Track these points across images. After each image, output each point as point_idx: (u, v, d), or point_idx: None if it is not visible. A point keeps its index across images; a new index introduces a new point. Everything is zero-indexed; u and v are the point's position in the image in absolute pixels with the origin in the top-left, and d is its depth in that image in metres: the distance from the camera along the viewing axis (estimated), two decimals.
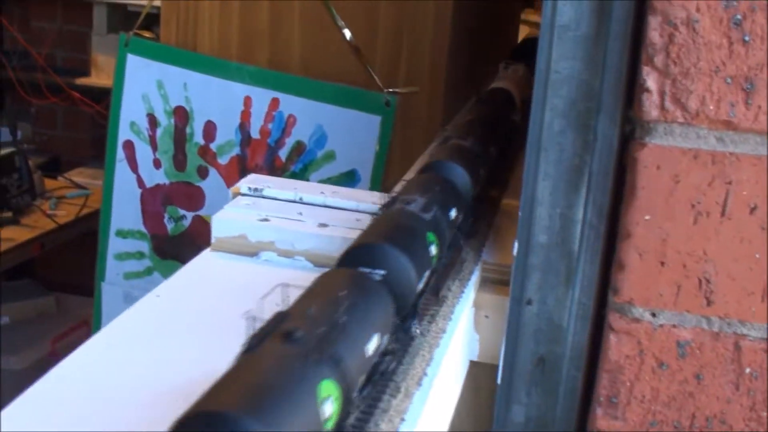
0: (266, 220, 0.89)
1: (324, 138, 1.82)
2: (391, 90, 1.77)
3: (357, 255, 0.66)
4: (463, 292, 0.86)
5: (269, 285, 0.83)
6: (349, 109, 1.78)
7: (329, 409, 0.54)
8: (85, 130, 4.04)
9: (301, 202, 0.94)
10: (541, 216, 0.84)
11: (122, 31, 3.56)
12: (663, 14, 0.73)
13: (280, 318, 0.58)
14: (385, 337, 0.62)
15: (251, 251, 0.88)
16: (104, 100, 3.51)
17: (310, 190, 0.97)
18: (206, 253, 0.88)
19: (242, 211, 0.91)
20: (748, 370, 0.79)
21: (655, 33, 0.73)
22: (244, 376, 0.52)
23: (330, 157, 1.82)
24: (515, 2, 2.77)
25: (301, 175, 1.84)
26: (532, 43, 1.65)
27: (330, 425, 0.55)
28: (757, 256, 0.76)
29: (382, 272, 0.65)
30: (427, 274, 0.74)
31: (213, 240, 0.89)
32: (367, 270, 0.64)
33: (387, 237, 0.68)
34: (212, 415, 0.48)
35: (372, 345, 0.59)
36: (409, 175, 1.28)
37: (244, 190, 0.96)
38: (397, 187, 1.15)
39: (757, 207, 0.75)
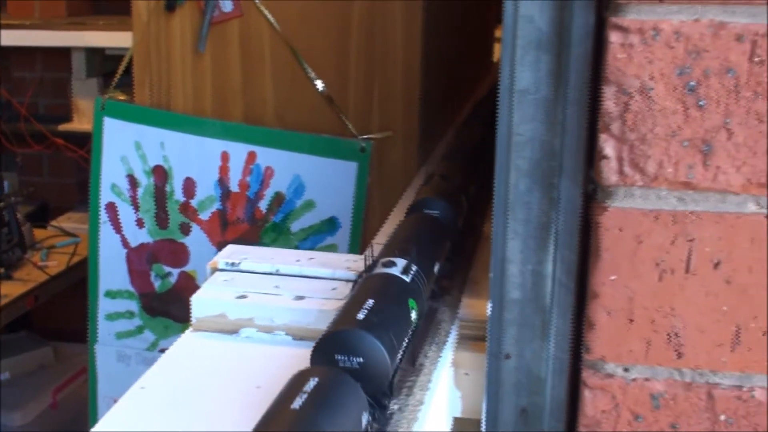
0: (244, 297, 0.90)
1: (302, 187, 1.83)
2: (365, 136, 1.79)
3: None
4: (440, 356, 0.87)
5: (251, 363, 0.85)
6: (325, 157, 1.80)
7: (413, 315, 0.81)
8: (70, 175, 4.05)
9: (278, 274, 0.96)
10: (512, 273, 0.85)
11: (101, 75, 3.65)
12: (617, 84, 0.75)
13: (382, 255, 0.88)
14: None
15: (231, 329, 0.89)
16: (87, 144, 3.52)
17: (286, 259, 0.98)
18: (187, 335, 0.89)
19: (220, 288, 0.92)
20: (723, 417, 0.81)
21: (610, 102, 0.75)
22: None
23: (310, 205, 1.84)
24: (489, 21, 2.77)
25: (282, 225, 1.86)
26: None
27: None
28: (724, 308, 0.78)
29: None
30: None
31: (193, 320, 0.90)
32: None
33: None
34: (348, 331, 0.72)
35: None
36: (387, 227, 1.30)
37: (221, 265, 0.97)
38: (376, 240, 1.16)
39: (721, 262, 0.77)
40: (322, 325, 0.85)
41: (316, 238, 1.84)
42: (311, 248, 1.84)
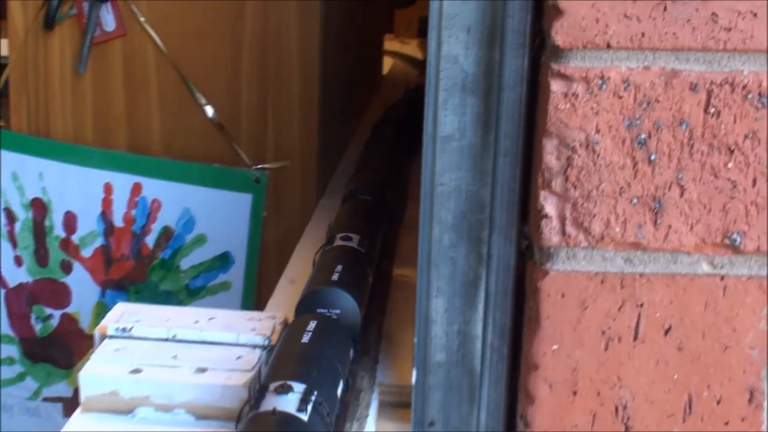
0: (138, 371, 0.80)
1: (192, 221, 1.72)
2: (260, 166, 1.69)
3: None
4: None
5: None
6: (217, 189, 1.69)
7: (370, 279, 1.01)
8: None
9: (175, 340, 0.86)
10: (437, 334, 0.79)
11: None
12: (559, 137, 0.67)
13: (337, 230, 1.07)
14: None
15: (126, 409, 0.79)
16: None
17: (184, 321, 0.88)
18: (77, 417, 0.79)
19: (111, 361, 0.82)
20: None
21: (551, 157, 0.68)
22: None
23: (200, 240, 1.73)
24: (378, 33, 2.71)
25: (170, 261, 1.75)
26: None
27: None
28: (676, 377, 0.72)
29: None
30: None
31: (82, 398, 0.80)
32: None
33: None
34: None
35: None
36: (296, 259, 1.24)
37: (111, 331, 0.87)
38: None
39: (672, 328, 0.71)
40: (228, 403, 0.78)
41: (208, 275, 1.74)
42: (203, 286, 1.74)
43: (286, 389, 0.70)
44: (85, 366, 0.82)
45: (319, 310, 0.88)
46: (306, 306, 0.89)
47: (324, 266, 0.96)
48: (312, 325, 0.82)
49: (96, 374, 0.81)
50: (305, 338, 0.80)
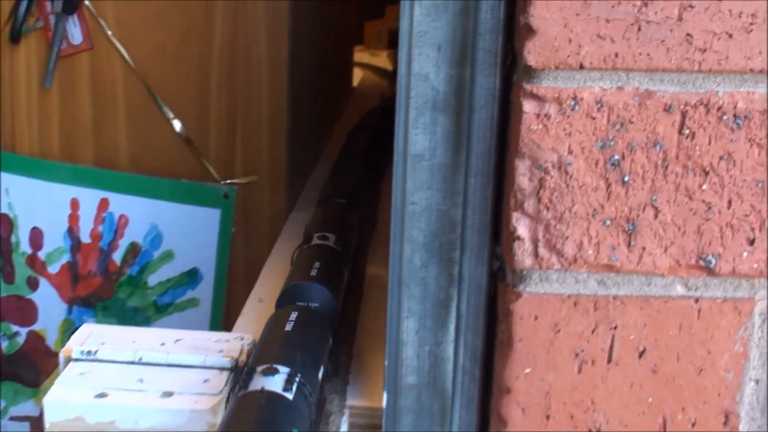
0: (104, 395, 0.79)
1: (160, 237, 1.70)
2: (228, 181, 1.67)
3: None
4: None
5: None
6: (185, 204, 1.67)
7: (346, 276, 1.10)
8: None
9: (141, 363, 0.84)
10: (408, 356, 0.77)
11: None
12: (531, 158, 0.66)
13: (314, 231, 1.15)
14: None
15: None
16: None
17: (150, 343, 0.87)
18: None
19: (76, 385, 0.80)
20: None
21: (523, 178, 0.67)
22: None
23: (168, 256, 1.71)
24: (348, 43, 2.69)
25: (138, 278, 1.73)
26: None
27: None
28: (650, 399, 0.71)
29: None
30: None
31: (47, 425, 0.79)
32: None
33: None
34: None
35: None
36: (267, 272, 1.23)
37: (76, 354, 0.85)
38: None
39: (646, 350, 0.70)
40: (195, 428, 0.77)
41: (176, 291, 1.72)
42: (171, 303, 1.72)
43: (272, 371, 0.76)
44: (49, 391, 0.80)
45: (299, 303, 0.95)
46: (286, 299, 0.96)
47: (303, 263, 1.04)
48: (293, 315, 0.89)
49: (61, 400, 0.79)
50: (288, 327, 0.86)
